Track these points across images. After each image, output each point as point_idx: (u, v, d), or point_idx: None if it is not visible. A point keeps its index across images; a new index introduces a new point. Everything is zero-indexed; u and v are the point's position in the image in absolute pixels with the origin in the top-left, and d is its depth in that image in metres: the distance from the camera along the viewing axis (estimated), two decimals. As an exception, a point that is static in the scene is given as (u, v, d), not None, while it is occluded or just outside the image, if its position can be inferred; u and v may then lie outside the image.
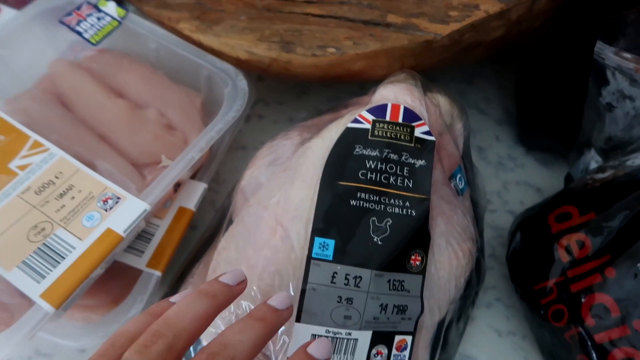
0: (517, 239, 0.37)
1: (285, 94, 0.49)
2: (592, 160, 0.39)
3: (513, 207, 0.44)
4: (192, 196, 0.37)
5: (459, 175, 0.34)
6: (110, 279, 0.34)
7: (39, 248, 0.29)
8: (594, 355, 0.30)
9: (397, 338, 0.29)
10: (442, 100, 0.35)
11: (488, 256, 0.41)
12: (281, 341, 0.28)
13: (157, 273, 0.34)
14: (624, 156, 0.36)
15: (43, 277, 0.28)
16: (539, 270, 0.34)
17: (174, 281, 0.36)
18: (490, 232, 0.42)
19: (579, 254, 0.33)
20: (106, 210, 0.31)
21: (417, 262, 0.30)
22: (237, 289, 0.25)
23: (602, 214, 0.33)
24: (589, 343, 0.30)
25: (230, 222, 0.34)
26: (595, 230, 0.33)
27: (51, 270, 0.29)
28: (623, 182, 0.33)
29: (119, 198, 0.31)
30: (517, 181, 0.45)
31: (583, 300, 0.31)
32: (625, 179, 0.33)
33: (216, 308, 0.23)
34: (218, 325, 0.30)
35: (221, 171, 0.44)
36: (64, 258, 0.29)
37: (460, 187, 0.34)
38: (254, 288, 0.29)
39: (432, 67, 0.38)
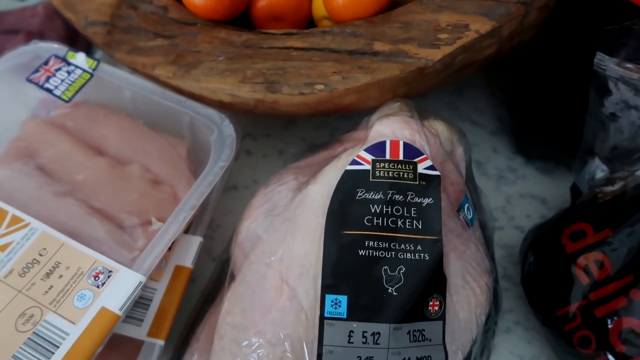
0: (530, 260, 0.36)
1: (271, 126, 0.47)
2: (598, 169, 0.37)
3: (520, 222, 0.42)
4: (188, 252, 0.34)
5: (466, 205, 0.32)
6: (109, 353, 0.32)
7: (29, 338, 0.27)
8: (628, 383, 0.29)
9: (423, 391, 0.28)
10: (441, 128, 0.33)
11: (500, 277, 0.39)
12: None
13: (160, 342, 0.32)
14: (632, 165, 0.34)
15: (37, 371, 0.26)
16: (559, 294, 0.33)
17: (178, 346, 0.33)
18: (500, 252, 0.41)
19: (599, 275, 0.31)
20: (98, 286, 0.29)
21: (436, 308, 0.28)
22: None
23: (618, 230, 0.31)
24: (622, 372, 0.29)
25: (233, 277, 0.32)
26: (613, 249, 0.31)
27: (45, 363, 0.26)
28: (636, 195, 0.32)
29: (110, 271, 0.29)
30: (520, 194, 0.44)
31: (610, 325, 0.30)
32: (637, 192, 0.32)
33: None
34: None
35: (214, 216, 0.42)
36: (57, 347, 0.27)
37: (469, 217, 0.32)
38: (266, 355, 0.27)
39: (424, 93, 0.36)
